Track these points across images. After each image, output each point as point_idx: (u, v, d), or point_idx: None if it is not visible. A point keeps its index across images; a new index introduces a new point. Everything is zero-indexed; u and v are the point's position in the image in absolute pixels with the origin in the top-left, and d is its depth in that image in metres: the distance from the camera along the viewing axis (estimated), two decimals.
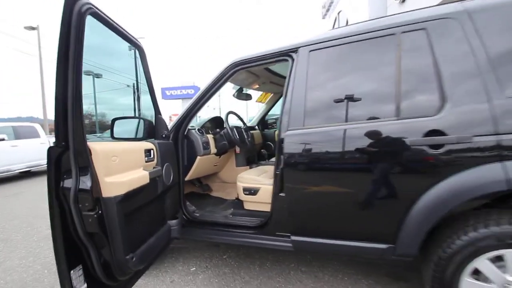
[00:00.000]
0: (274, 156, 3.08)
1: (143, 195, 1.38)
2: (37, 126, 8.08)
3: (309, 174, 1.50)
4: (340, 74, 1.55)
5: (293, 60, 1.66)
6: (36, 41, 14.83)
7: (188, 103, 1.99)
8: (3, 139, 6.85)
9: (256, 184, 1.96)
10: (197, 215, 2.09)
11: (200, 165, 2.19)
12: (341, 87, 1.52)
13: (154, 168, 1.54)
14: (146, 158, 1.47)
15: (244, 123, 2.59)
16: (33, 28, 14.97)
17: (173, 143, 1.86)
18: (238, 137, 2.25)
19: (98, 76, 20.16)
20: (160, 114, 1.77)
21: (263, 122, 3.49)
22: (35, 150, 7.63)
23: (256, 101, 3.36)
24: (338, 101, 1.50)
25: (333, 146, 1.44)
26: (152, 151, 1.54)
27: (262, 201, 1.95)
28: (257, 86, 2.63)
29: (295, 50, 1.67)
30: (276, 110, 3.56)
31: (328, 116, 1.53)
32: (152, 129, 1.74)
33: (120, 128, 1.71)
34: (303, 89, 1.57)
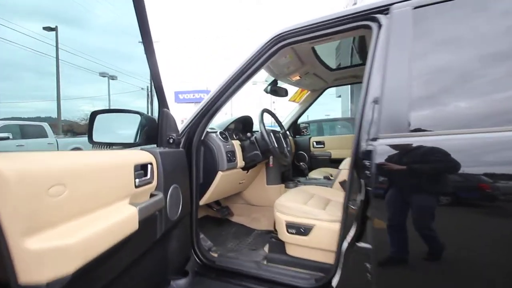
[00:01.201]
0: (308, 170, 2.39)
1: (124, 255, 0.73)
2: (45, 125, 7.72)
3: (428, 216, 0.83)
4: (480, 43, 0.88)
5: (379, 26, 1.02)
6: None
7: (209, 94, 1.36)
8: (7, 138, 6.47)
9: (309, 219, 1.29)
10: (215, 256, 1.43)
11: (221, 184, 1.54)
12: (482, 65, 0.86)
13: (151, 196, 0.90)
14: (138, 180, 0.82)
15: (281, 127, 1.95)
16: (51, 29, 15.10)
17: (184, 152, 1.22)
18: (276, 145, 1.59)
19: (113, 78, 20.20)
20: (167, 108, 1.14)
21: (295, 127, 2.82)
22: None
23: (289, 100, 2.70)
24: (475, 88, 0.84)
25: (481, 168, 0.77)
26: (149, 166, 0.90)
27: (317, 247, 1.27)
28: (298, 77, 1.98)
29: (383, 9, 1.02)
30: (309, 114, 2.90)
31: (459, 115, 0.86)
32: (154, 131, 1.11)
33: (104, 128, 1.09)
34: (405, 72, 0.93)
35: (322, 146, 2.72)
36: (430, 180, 0.84)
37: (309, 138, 2.79)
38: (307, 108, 2.70)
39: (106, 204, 0.67)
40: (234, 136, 1.80)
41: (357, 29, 1.11)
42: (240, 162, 1.60)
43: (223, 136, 1.55)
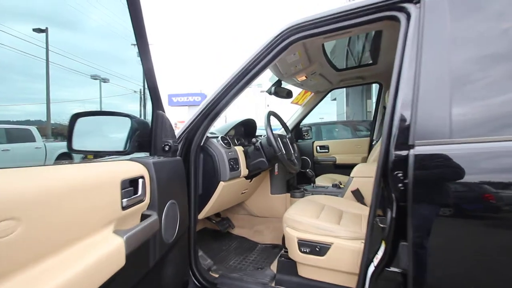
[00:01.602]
0: (315, 177, 2.23)
1: None
2: (33, 129, 7.43)
3: (483, 239, 0.69)
4: None
5: (408, 17, 0.89)
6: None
7: (211, 94, 1.20)
8: None
9: (325, 236, 1.13)
10: (216, 276, 1.26)
11: (223, 196, 1.37)
12: None
13: (143, 217, 0.73)
14: (126, 199, 0.65)
15: (288, 131, 1.79)
16: (42, 31, 14.73)
17: (182, 161, 1.05)
18: (284, 151, 1.43)
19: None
20: (163, 110, 0.97)
21: (297, 130, 2.68)
22: (29, 156, 6.98)
23: (292, 102, 2.56)
24: None
25: None
26: (140, 181, 0.74)
27: (335, 268, 1.11)
28: (305, 78, 1.84)
29: None
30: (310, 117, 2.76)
31: None
32: (147, 136, 0.94)
33: (88, 133, 0.92)
34: (445, 69, 0.79)
35: (327, 150, 2.58)
36: (483, 195, 0.69)
37: (313, 143, 2.64)
38: (310, 111, 2.55)
39: (82, 238, 0.50)
40: (237, 142, 1.64)
41: (380, 21, 0.97)
42: (243, 170, 1.44)
43: (225, 141, 1.39)
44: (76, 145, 0.86)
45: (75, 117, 0.89)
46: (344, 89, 10.33)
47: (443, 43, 0.80)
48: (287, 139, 1.61)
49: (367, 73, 2.17)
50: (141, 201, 0.73)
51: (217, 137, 1.39)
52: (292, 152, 1.60)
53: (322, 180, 2.14)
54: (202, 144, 1.25)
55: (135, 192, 0.71)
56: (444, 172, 0.73)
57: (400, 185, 0.78)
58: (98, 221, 0.55)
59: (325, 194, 1.74)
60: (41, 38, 14.63)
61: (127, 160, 0.80)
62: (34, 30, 14.91)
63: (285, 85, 2.06)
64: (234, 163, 1.37)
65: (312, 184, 1.89)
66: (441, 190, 0.73)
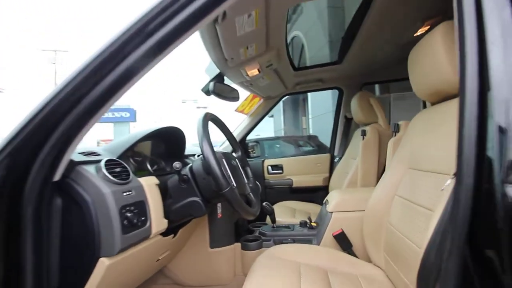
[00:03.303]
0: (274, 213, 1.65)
1: None
2: None
3: None
4: None
5: None
6: None
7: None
8: None
9: None
10: None
11: (111, 281, 0.65)
12: None
13: None
14: None
15: (238, 146, 1.15)
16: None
17: None
18: (235, 184, 0.80)
19: None
20: None
21: (242, 146, 2.09)
22: None
23: (236, 110, 1.97)
24: None
25: None
26: None
27: None
28: (257, 72, 1.28)
29: None
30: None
31: None
32: None
33: None
34: None
35: (280, 171, 2.05)
36: None
37: (262, 161, 2.08)
38: (259, 122, 2.02)
39: None
40: (150, 167, 0.94)
41: None
42: (158, 223, 0.75)
43: (117, 169, 0.69)
44: None
45: None
46: (281, 105, 10.47)
47: None
48: (236, 160, 0.99)
49: (328, 75, 1.77)
50: None
51: (100, 161, 0.68)
52: (246, 181, 0.99)
53: (279, 213, 1.57)
54: (57, 178, 0.54)
55: None
56: None
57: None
58: None
59: (293, 241, 1.17)
60: None
61: None
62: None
63: (229, 83, 1.46)
64: (135, 214, 0.67)
65: (273, 224, 1.30)
66: None
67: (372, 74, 1.74)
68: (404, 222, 0.80)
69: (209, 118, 0.86)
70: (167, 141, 1.07)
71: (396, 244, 0.81)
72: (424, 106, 2.17)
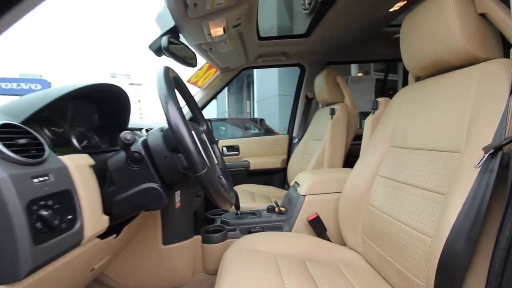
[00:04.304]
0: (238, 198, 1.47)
1: None
2: None
3: None
4: None
5: None
6: None
7: None
8: None
9: None
10: None
11: None
12: None
13: None
14: None
15: (203, 118, 0.91)
16: None
17: None
18: (209, 165, 0.60)
19: None
20: None
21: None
22: None
23: (188, 81, 1.68)
24: None
25: None
26: None
27: None
28: (222, 31, 1.04)
29: None
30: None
31: None
32: None
33: None
34: None
35: (237, 152, 1.88)
36: None
37: (217, 142, 1.87)
38: (214, 97, 1.78)
39: None
40: (75, 142, 0.65)
41: None
42: (94, 221, 0.50)
43: (18, 141, 0.41)
44: None
45: None
46: (226, 89, 10.17)
47: None
48: (203, 134, 0.77)
49: (293, 49, 1.64)
50: None
51: None
52: (216, 162, 0.79)
53: (245, 198, 1.42)
54: None
55: None
56: None
57: None
58: None
59: (262, 229, 1.04)
60: None
61: None
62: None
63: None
64: (56, 211, 0.42)
65: (237, 211, 1.13)
66: None
67: (337, 53, 1.69)
68: (389, 203, 0.74)
69: (172, 74, 0.62)
70: (102, 106, 0.77)
71: (379, 225, 0.75)
72: (381, 90, 2.26)
